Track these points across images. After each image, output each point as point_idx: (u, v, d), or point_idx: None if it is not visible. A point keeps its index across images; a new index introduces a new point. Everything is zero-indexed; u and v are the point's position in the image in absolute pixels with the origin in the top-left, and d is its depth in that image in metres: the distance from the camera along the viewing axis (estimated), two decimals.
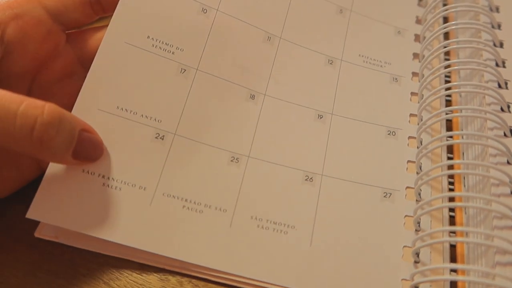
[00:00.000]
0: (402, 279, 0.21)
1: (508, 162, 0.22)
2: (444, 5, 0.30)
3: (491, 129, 0.23)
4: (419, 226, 0.22)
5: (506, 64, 0.26)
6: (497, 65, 0.26)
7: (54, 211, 0.20)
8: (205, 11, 0.26)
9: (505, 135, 0.23)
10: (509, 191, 0.21)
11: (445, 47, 0.26)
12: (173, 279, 0.21)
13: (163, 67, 0.24)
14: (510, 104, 0.24)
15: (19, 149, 0.19)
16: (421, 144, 0.25)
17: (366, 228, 0.23)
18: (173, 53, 0.25)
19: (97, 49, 0.23)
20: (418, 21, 0.30)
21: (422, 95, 0.26)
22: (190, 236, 0.22)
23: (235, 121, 0.25)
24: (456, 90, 0.26)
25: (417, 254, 0.21)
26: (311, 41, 0.28)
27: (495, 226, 0.20)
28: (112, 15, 0.24)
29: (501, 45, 0.27)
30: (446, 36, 0.30)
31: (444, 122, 0.26)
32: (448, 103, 0.27)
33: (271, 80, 0.26)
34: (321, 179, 0.24)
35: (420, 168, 0.24)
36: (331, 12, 0.29)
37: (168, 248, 0.21)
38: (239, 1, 0.27)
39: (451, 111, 0.25)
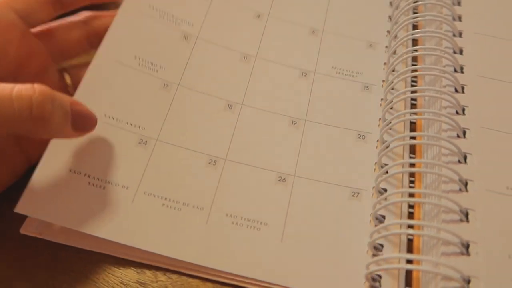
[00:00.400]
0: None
1: (459, 161, 0.23)
2: (414, 13, 0.32)
3: (445, 130, 0.25)
4: (377, 220, 0.24)
5: (464, 70, 0.28)
6: (455, 71, 0.27)
7: (42, 206, 0.22)
8: (187, 38, 0.29)
9: (458, 136, 0.24)
10: (457, 188, 0.22)
11: (413, 52, 0.28)
12: (148, 272, 0.23)
13: (148, 82, 0.27)
14: (465, 107, 0.26)
15: (24, 131, 0.21)
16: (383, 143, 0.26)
17: (334, 225, 0.24)
18: (157, 71, 0.28)
19: (67, 42, 0.26)
20: (389, 34, 0.32)
21: (387, 98, 0.28)
22: (169, 232, 0.23)
23: (213, 128, 0.27)
24: (418, 94, 0.28)
25: (375, 248, 0.23)
26: (286, 58, 0.30)
27: (443, 219, 0.21)
28: (72, 14, 0.28)
29: (461, 52, 0.29)
30: (415, 43, 0.32)
31: (408, 123, 0.28)
32: (413, 106, 0.29)
33: (248, 92, 0.28)
34: (293, 179, 0.26)
35: (382, 167, 0.26)
36: (303, 33, 0.32)
37: (148, 243, 0.23)
38: (218, 28, 0.30)
39: (412, 114, 0.27)
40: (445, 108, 0.26)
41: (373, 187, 0.25)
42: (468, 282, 0.20)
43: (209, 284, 0.22)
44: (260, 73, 0.29)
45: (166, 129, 0.26)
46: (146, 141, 0.25)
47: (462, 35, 0.30)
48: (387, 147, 0.25)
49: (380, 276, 0.22)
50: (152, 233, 0.23)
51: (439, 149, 0.24)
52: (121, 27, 0.28)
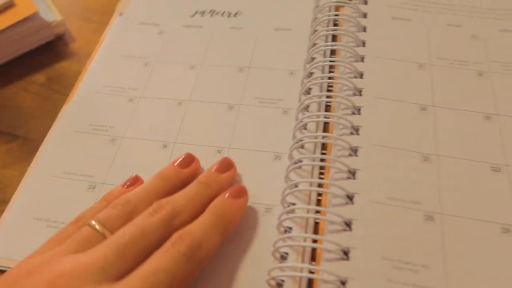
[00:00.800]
0: None
1: (348, 178, 0.27)
2: (333, 40, 0.36)
3: (340, 150, 0.29)
4: (284, 231, 0.28)
5: (362, 92, 0.31)
6: (355, 94, 0.31)
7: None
8: (131, 100, 0.36)
9: (350, 155, 0.28)
10: (344, 202, 0.26)
11: (330, 78, 0.32)
12: None
13: (98, 141, 0.34)
14: (359, 127, 0.30)
15: None
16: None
17: (248, 240, 0.28)
18: (106, 130, 0.34)
19: None
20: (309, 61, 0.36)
21: (298, 117, 0.31)
22: None
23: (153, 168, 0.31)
24: (327, 118, 0.31)
25: (282, 256, 0.27)
26: (215, 96, 0.35)
27: (329, 230, 0.25)
28: None
29: (361, 76, 0.32)
30: (332, 66, 0.35)
31: (320, 144, 0.31)
32: (326, 125, 0.32)
33: (181, 131, 0.33)
34: None
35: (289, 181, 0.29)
36: (232, 72, 0.36)
37: None
38: (158, 85, 0.36)
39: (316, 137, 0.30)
40: (341, 129, 0.30)
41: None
42: (345, 283, 0.23)
43: None
44: (192, 113, 0.34)
45: (111, 175, 0.31)
46: (95, 186, 0.31)
47: (364, 60, 0.33)
48: (295, 163, 0.29)
49: (283, 281, 0.26)
50: None
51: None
52: (77, 103, 0.36)
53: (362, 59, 0.33)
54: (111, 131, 0.34)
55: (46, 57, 0.40)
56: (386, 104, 0.31)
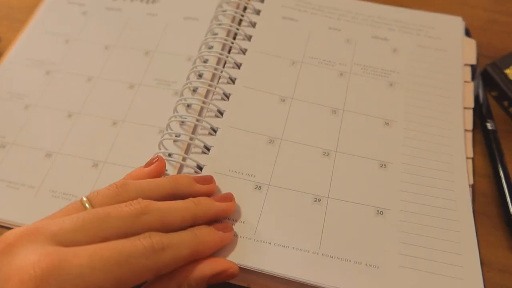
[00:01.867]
0: None
1: (203, 152, 0.33)
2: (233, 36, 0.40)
3: (202, 129, 0.34)
4: None
5: (236, 81, 0.37)
6: (228, 82, 0.37)
7: None
8: (27, 107, 0.41)
9: (210, 134, 0.34)
10: (193, 172, 0.32)
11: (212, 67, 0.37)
12: None
13: None
14: (224, 111, 0.35)
15: None
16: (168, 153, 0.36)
17: None
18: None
19: None
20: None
21: (183, 94, 0.37)
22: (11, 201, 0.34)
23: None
24: (201, 103, 0.37)
25: None
26: (118, 75, 0.40)
27: None
28: None
29: (239, 67, 0.38)
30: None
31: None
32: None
33: (67, 140, 0.37)
34: (103, 165, 0.35)
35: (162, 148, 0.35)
36: (139, 55, 0.41)
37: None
38: (53, 94, 0.39)
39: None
40: (208, 112, 0.35)
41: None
42: None
43: None
44: (98, 89, 0.39)
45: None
46: None
47: (246, 53, 0.39)
48: (176, 135, 0.35)
49: None
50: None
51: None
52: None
53: (244, 51, 0.39)
54: (1, 140, 0.37)
55: None
56: (252, 93, 0.36)
